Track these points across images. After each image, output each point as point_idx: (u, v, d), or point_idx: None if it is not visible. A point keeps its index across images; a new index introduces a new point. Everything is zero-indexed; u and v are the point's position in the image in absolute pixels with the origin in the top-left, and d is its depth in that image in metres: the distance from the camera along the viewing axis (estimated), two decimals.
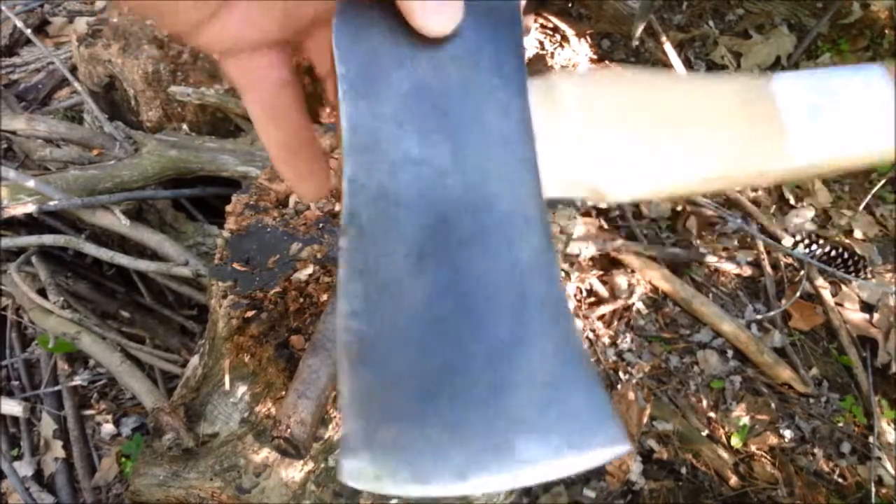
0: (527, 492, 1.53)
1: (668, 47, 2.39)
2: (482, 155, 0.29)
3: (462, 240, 0.28)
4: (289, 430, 0.79)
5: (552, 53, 2.57)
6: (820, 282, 1.98)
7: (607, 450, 0.27)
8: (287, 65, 0.35)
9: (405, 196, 0.29)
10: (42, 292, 1.53)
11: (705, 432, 1.70)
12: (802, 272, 1.97)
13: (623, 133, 0.32)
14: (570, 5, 2.67)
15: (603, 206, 2.13)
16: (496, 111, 0.30)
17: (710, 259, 2.03)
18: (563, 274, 1.92)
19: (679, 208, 2.14)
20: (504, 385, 0.27)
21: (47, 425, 1.56)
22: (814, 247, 2.01)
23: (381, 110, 0.29)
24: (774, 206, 2.22)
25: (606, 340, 1.86)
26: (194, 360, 1.09)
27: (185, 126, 1.69)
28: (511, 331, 0.28)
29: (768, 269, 2.03)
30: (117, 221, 1.45)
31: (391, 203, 0.29)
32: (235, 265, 1.00)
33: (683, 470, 1.62)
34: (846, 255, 1.98)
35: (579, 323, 1.86)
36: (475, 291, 0.28)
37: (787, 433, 1.72)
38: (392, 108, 0.29)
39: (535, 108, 0.31)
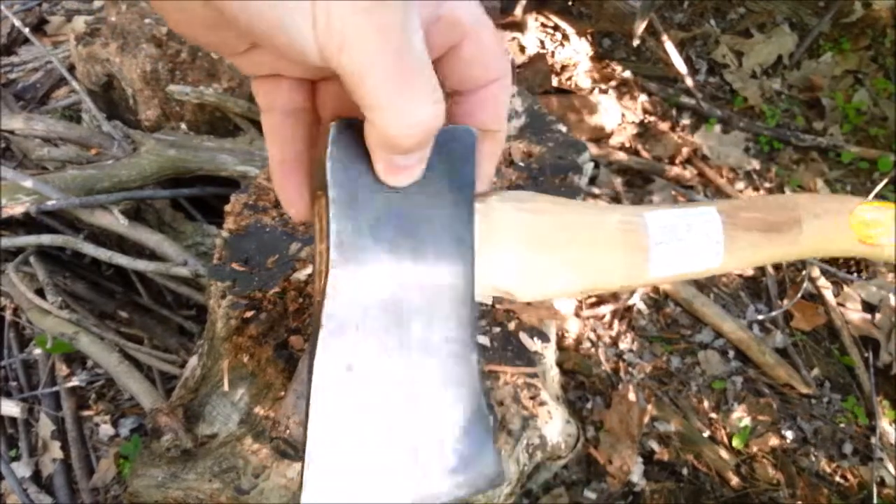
0: (527, 493, 1.53)
1: (670, 46, 2.39)
2: (436, 271, 0.39)
3: (413, 337, 0.39)
4: (288, 431, 0.78)
5: (552, 52, 2.56)
6: (822, 282, 1.97)
7: (491, 485, 0.41)
8: (302, 95, 0.40)
9: (374, 301, 0.38)
10: (40, 292, 1.53)
11: (706, 433, 1.70)
12: (804, 272, 1.96)
13: (536, 252, 0.42)
14: (570, 4, 2.66)
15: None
16: (451, 236, 0.40)
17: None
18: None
19: None
20: (427, 441, 0.39)
21: (45, 426, 1.55)
22: None
23: (362, 230, 0.37)
24: None
25: (607, 341, 1.85)
26: (193, 360, 1.08)
27: (183, 125, 1.69)
28: (437, 405, 0.39)
29: (770, 269, 2.02)
30: (116, 221, 1.44)
31: (361, 307, 0.37)
32: (234, 265, 0.99)
33: (684, 471, 1.61)
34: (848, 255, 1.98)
35: (580, 323, 1.86)
36: (416, 377, 0.39)
37: (789, 434, 1.71)
38: (370, 228, 0.38)
39: (476, 225, 0.41)
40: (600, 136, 2.28)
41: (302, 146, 0.40)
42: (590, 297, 1.93)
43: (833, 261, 1.98)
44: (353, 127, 0.37)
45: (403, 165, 0.36)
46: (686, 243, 0.44)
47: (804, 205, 0.46)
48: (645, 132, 2.38)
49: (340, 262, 0.37)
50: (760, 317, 1.93)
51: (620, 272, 0.44)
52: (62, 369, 1.61)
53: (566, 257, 0.43)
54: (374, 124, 0.32)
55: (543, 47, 2.57)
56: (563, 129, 1.06)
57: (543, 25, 2.64)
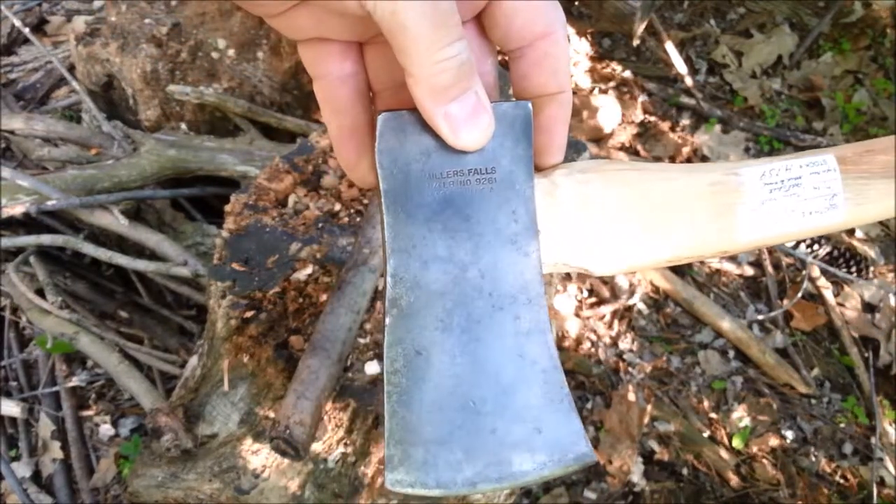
0: (527, 493, 1.53)
1: (670, 46, 2.39)
2: (495, 252, 0.38)
3: (478, 317, 0.38)
4: (288, 431, 0.78)
5: None
6: (822, 282, 1.97)
7: (579, 462, 0.38)
8: (352, 60, 0.39)
9: (434, 285, 0.38)
10: (40, 292, 1.53)
11: (706, 433, 1.70)
12: (804, 272, 1.96)
13: (610, 227, 0.40)
14: (570, 4, 2.66)
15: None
16: (507, 217, 0.39)
17: (712, 259, 2.02)
18: (563, 274, 1.91)
19: None
20: (504, 421, 0.38)
21: (45, 426, 1.55)
22: (815, 247, 2.00)
23: (416, 218, 0.38)
24: None
25: (607, 341, 1.85)
26: (193, 360, 1.08)
27: (183, 125, 1.69)
28: (511, 382, 0.38)
29: (770, 269, 2.02)
30: (116, 221, 1.44)
31: (423, 291, 0.38)
32: (234, 265, 0.99)
33: (684, 471, 1.61)
34: (848, 256, 1.98)
35: (580, 323, 1.86)
36: (486, 356, 0.38)
37: (789, 434, 1.71)
38: (424, 216, 0.38)
39: (539, 202, 0.39)
40: (600, 136, 2.28)
41: (358, 111, 0.40)
42: (592, 295, 1.93)
43: (833, 261, 1.98)
44: (400, 117, 0.37)
45: (461, 117, 0.35)
46: (796, 199, 0.39)
47: None
48: (645, 132, 2.38)
49: (397, 251, 0.38)
50: (760, 317, 1.93)
51: (714, 237, 0.39)
52: (62, 369, 1.61)
53: (646, 226, 0.39)
54: (412, 69, 0.32)
55: None
56: None
57: None
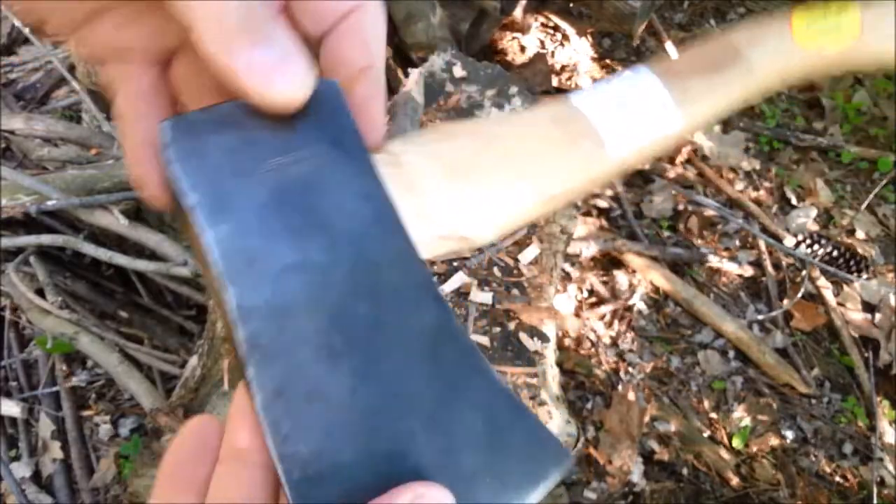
0: None
1: (670, 46, 2.39)
2: (356, 241, 0.30)
3: (364, 328, 0.29)
4: None
5: (552, 52, 2.56)
6: (822, 282, 1.97)
7: (560, 467, 0.30)
8: (153, 76, 0.36)
9: (296, 304, 0.29)
10: (40, 292, 1.52)
11: (706, 433, 1.70)
12: (804, 272, 1.96)
13: (468, 181, 0.36)
14: (570, 4, 2.66)
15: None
16: (357, 197, 0.31)
17: (712, 259, 2.02)
18: (563, 274, 1.91)
19: (680, 208, 2.14)
20: (451, 445, 0.29)
21: (45, 426, 1.55)
22: (815, 247, 2.00)
23: (245, 226, 0.29)
24: (776, 206, 2.21)
25: (607, 341, 1.85)
26: (193, 360, 1.08)
27: None
28: (437, 395, 0.29)
29: (770, 269, 2.02)
30: (116, 221, 1.44)
31: (285, 316, 0.29)
32: None
33: (684, 471, 1.61)
34: (848, 255, 1.98)
35: (580, 323, 1.86)
36: (392, 370, 0.29)
37: (789, 434, 1.71)
38: (255, 221, 0.29)
39: (386, 175, 0.33)
40: None
41: (146, 131, 0.35)
42: (592, 295, 1.93)
43: (833, 260, 1.98)
44: (186, 120, 0.31)
45: (270, 62, 0.29)
46: (630, 111, 0.39)
47: (740, 35, 0.42)
48: None
49: (233, 274, 0.28)
50: (760, 317, 1.93)
51: (575, 166, 0.39)
52: (62, 369, 1.61)
53: (507, 174, 0.37)
54: (199, 22, 0.28)
55: (543, 47, 2.57)
56: None
57: (543, 25, 2.64)
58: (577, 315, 1.88)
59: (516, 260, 1.02)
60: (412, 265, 0.31)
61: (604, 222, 2.08)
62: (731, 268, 2.03)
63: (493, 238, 0.38)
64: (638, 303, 1.93)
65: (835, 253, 1.98)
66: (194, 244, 0.31)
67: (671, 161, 2.29)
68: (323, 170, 0.31)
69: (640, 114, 0.39)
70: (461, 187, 0.36)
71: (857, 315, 1.94)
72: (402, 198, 0.33)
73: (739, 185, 2.25)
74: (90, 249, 1.46)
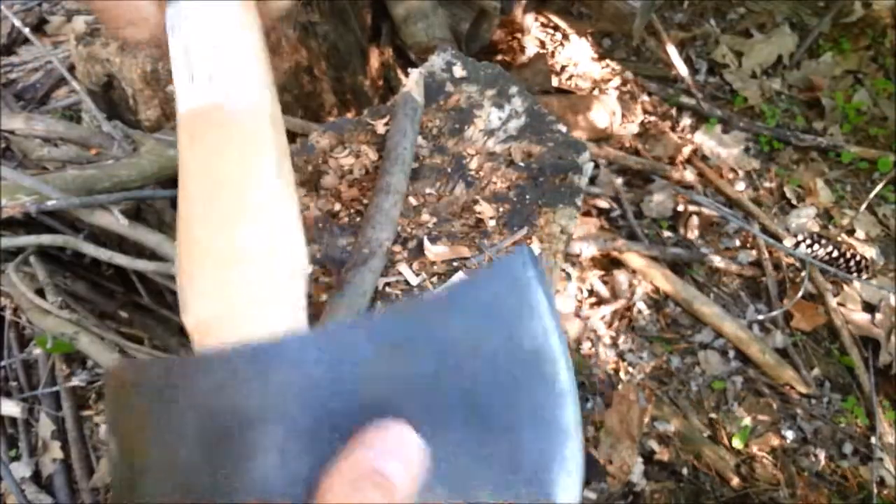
0: None
1: (670, 46, 2.39)
2: None
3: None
4: None
5: (552, 52, 2.56)
6: (822, 282, 1.97)
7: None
8: None
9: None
10: (40, 292, 1.52)
11: (707, 433, 1.70)
12: (804, 272, 1.96)
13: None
14: (570, 4, 2.66)
15: (602, 205, 2.12)
16: None
17: (712, 259, 2.02)
18: (563, 274, 1.91)
19: (680, 208, 2.14)
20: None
21: (45, 426, 1.55)
22: (815, 247, 2.00)
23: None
24: (776, 206, 2.21)
25: (607, 340, 1.85)
26: None
27: None
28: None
29: (770, 269, 2.02)
30: (116, 221, 1.44)
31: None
32: None
33: (685, 471, 1.61)
34: (848, 255, 1.98)
35: (580, 323, 1.86)
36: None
37: (789, 434, 1.71)
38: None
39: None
40: (600, 136, 2.28)
41: None
42: (592, 295, 1.93)
43: (833, 260, 1.98)
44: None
45: None
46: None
47: None
48: (645, 132, 2.38)
49: None
50: (760, 317, 1.93)
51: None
52: (62, 369, 1.61)
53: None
54: None
55: (543, 47, 2.57)
56: (563, 129, 1.06)
57: (543, 25, 2.64)
58: (577, 315, 1.88)
59: None
60: None
61: (604, 222, 2.08)
62: (731, 268, 2.03)
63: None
64: (638, 303, 1.92)
65: (835, 253, 1.98)
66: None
67: (671, 161, 2.29)
68: None
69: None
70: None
71: (857, 315, 1.94)
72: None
73: (739, 185, 2.25)
74: (90, 249, 1.46)
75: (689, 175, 2.23)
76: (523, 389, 0.32)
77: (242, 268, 0.35)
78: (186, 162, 0.38)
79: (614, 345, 1.85)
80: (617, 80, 2.50)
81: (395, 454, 0.28)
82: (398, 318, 0.31)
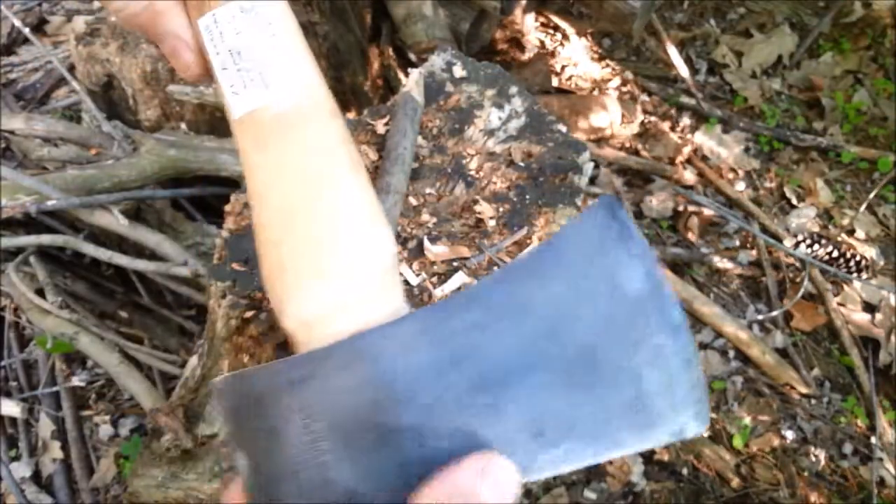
0: (527, 493, 1.53)
1: (670, 46, 2.39)
2: None
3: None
4: None
5: (552, 52, 2.56)
6: (822, 282, 1.97)
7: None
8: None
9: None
10: (40, 292, 1.52)
11: (707, 433, 1.70)
12: (804, 272, 1.96)
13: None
14: (570, 4, 2.66)
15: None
16: None
17: (712, 259, 2.02)
18: None
19: (680, 208, 2.14)
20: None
21: (45, 426, 1.55)
22: (815, 247, 2.00)
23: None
24: (776, 206, 2.21)
25: None
26: (193, 360, 1.08)
27: (183, 125, 1.69)
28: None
29: (770, 269, 2.02)
30: (115, 221, 1.44)
31: None
32: (234, 265, 0.99)
33: (685, 471, 1.61)
34: (848, 256, 1.98)
35: None
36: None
37: (789, 434, 1.71)
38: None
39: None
40: (600, 136, 2.28)
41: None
42: None
43: (833, 260, 1.98)
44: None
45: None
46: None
47: None
48: (645, 132, 2.38)
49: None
50: (760, 317, 1.93)
51: None
52: (62, 369, 1.61)
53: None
54: None
55: (543, 47, 2.57)
56: (563, 129, 1.06)
57: (543, 25, 2.64)
58: None
59: None
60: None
61: None
62: (731, 268, 2.03)
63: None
64: None
65: (835, 253, 1.98)
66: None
67: (671, 161, 2.29)
68: None
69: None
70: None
71: (857, 315, 1.94)
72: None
73: (739, 185, 2.25)
74: (90, 249, 1.46)
75: (689, 175, 2.23)
76: (638, 329, 0.32)
77: (335, 264, 0.35)
78: (255, 167, 0.38)
79: None
80: (617, 80, 2.50)
81: (489, 479, 0.30)
82: (499, 282, 0.32)
